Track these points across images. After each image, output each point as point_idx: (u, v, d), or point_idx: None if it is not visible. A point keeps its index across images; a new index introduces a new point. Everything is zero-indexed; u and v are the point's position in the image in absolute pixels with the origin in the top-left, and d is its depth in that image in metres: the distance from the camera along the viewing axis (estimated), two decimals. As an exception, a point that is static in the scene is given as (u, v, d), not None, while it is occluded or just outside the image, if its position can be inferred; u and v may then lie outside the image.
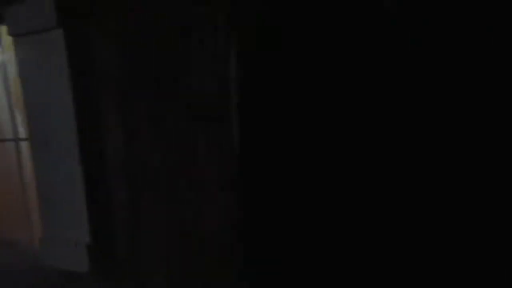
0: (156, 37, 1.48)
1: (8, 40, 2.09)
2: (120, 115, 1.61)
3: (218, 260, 1.44)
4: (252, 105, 1.27)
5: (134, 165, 1.63)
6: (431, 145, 1.05)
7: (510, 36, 0.94)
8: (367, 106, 1.10)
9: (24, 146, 2.21)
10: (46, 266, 1.91)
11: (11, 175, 2.32)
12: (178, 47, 1.42)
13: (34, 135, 1.85)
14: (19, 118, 2.18)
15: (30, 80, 1.80)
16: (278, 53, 1.21)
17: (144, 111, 1.57)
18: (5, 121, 2.24)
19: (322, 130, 1.16)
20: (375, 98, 1.09)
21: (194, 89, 1.39)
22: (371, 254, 1.10)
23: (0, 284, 2.01)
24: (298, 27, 1.15)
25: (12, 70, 2.13)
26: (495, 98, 0.98)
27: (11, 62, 2.13)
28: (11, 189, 2.28)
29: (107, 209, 1.75)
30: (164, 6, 1.45)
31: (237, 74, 1.27)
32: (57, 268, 1.88)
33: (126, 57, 1.56)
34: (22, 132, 2.21)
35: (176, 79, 1.45)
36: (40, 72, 1.75)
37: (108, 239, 1.76)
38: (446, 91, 1.02)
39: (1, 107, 2.24)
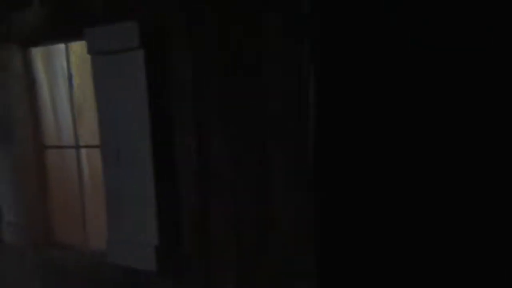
0: (234, 55, 1.66)
1: (75, 54, 2.28)
2: (194, 125, 1.79)
3: (292, 262, 1.60)
4: (328, 108, 1.44)
5: (205, 171, 1.80)
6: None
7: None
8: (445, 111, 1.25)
9: (84, 153, 2.37)
10: (112, 264, 2.05)
11: (69, 180, 2.46)
12: (256, 67, 1.61)
13: (106, 143, 2.02)
14: (80, 127, 2.34)
15: (105, 93, 1.96)
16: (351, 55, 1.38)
17: (217, 122, 1.74)
18: (67, 129, 2.40)
19: (397, 134, 1.34)
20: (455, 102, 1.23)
21: (271, 96, 1.57)
22: (442, 255, 1.28)
23: (74, 280, 2.15)
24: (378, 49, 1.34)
25: (76, 82, 2.30)
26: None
27: (76, 74, 2.31)
28: (69, 194, 2.42)
29: (176, 212, 1.90)
30: (239, 25, 1.64)
31: (315, 74, 1.44)
32: (124, 267, 2.03)
33: (202, 73, 1.74)
34: (82, 140, 2.37)
35: (251, 93, 1.63)
36: (116, 86, 1.92)
37: (176, 240, 1.92)
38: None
39: (64, 116, 2.39)
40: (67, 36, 2.18)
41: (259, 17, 1.58)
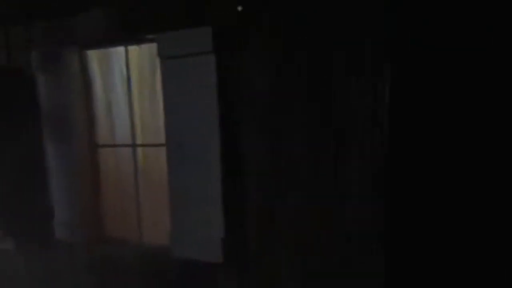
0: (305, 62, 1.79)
1: (133, 56, 2.38)
2: (265, 126, 1.91)
3: (359, 261, 1.72)
4: (403, 110, 1.58)
5: (273, 169, 1.92)
6: None
7: None
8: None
9: (140, 151, 2.46)
10: (174, 258, 2.15)
11: (122, 178, 2.54)
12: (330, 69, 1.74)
13: (172, 142, 2.11)
14: (138, 126, 2.43)
15: (174, 94, 2.07)
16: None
17: (288, 120, 1.86)
18: (121, 128, 2.48)
19: (470, 137, 1.48)
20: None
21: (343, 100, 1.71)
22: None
23: (131, 275, 2.23)
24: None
25: (133, 83, 2.39)
26: None
27: (133, 76, 2.40)
28: (121, 191, 2.50)
29: (242, 208, 2.02)
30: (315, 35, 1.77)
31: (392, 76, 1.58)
32: (188, 260, 2.13)
33: (275, 77, 1.86)
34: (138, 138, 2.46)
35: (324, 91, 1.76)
36: (186, 88, 2.03)
37: (241, 234, 2.03)
38: None
39: (120, 116, 2.47)
40: (127, 39, 2.28)
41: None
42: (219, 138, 1.98)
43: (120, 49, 2.38)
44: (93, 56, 2.46)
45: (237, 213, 2.03)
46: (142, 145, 2.44)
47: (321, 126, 1.78)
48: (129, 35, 2.16)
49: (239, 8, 1.89)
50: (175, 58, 2.01)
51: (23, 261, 2.82)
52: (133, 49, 2.34)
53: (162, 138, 2.24)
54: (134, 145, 2.45)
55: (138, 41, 2.23)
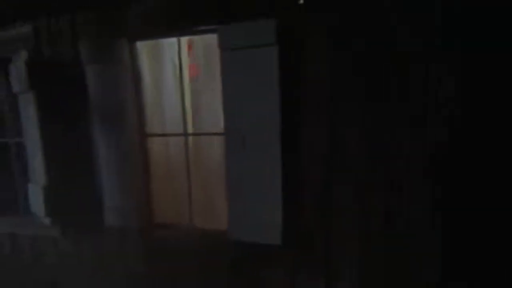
0: (370, 56, 1.88)
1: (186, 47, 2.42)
2: (326, 116, 2.00)
3: (415, 246, 1.86)
4: (466, 108, 1.69)
5: (332, 156, 2.03)
6: None
7: None
8: None
9: (191, 140, 2.53)
10: (231, 241, 2.26)
11: (171, 166, 2.62)
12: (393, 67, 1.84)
13: (232, 131, 2.19)
14: (189, 115, 2.49)
15: (233, 85, 2.14)
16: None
17: (349, 114, 1.96)
18: (174, 118, 2.54)
19: None
20: None
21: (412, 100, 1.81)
22: None
23: (186, 258, 2.34)
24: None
25: (185, 73, 2.45)
26: None
27: (184, 66, 2.45)
28: (170, 178, 2.58)
29: (300, 193, 2.13)
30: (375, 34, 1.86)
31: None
32: (245, 242, 2.24)
33: (336, 69, 1.95)
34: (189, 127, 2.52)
35: (391, 90, 1.86)
36: (246, 78, 2.10)
37: (299, 218, 2.14)
38: None
39: (170, 106, 2.53)
40: (181, 30, 2.32)
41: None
42: (279, 127, 2.08)
43: (172, 40, 2.43)
44: (144, 47, 2.50)
45: (295, 196, 2.14)
46: (195, 134, 2.52)
47: (376, 116, 1.89)
48: (187, 26, 2.21)
49: (301, 1, 1.96)
50: (236, 49, 2.08)
51: (71, 248, 2.91)
52: (185, 39, 2.39)
53: (212, 128, 2.32)
54: (186, 134, 2.52)
55: (195, 32, 2.28)
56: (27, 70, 2.59)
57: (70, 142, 2.69)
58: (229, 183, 2.26)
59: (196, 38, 2.42)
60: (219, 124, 2.50)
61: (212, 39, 2.36)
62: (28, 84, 2.60)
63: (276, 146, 2.11)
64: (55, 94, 2.65)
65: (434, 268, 1.90)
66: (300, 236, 2.16)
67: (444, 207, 1.81)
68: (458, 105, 1.73)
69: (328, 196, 2.09)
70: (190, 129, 2.57)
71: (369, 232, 2.02)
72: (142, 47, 2.52)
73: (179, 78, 2.47)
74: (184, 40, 2.43)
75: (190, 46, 2.44)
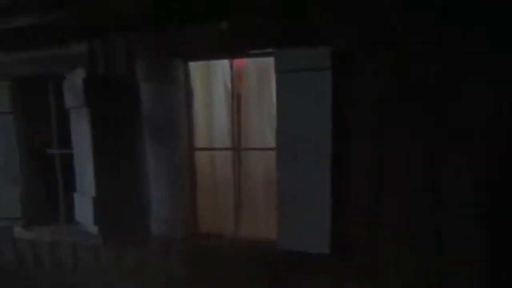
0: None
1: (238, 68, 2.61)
2: (371, 133, 2.19)
3: (458, 258, 2.02)
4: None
5: (378, 171, 2.20)
6: None
7: None
8: None
9: (236, 154, 2.69)
10: (283, 249, 2.40)
11: (217, 179, 2.77)
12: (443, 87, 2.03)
13: (284, 147, 2.36)
14: (238, 131, 2.66)
15: (287, 104, 2.32)
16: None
17: (391, 128, 2.15)
18: (220, 133, 2.71)
19: None
20: None
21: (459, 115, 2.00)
22: None
23: (233, 267, 2.46)
24: None
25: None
26: None
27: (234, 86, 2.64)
28: (222, 191, 2.73)
29: (348, 204, 2.29)
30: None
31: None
32: (294, 252, 2.38)
33: (383, 92, 2.15)
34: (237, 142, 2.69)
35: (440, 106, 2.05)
36: (299, 99, 2.28)
37: (346, 228, 2.29)
38: None
39: (219, 122, 2.70)
40: (235, 53, 2.52)
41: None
42: (330, 143, 2.26)
43: (225, 62, 2.62)
44: (197, 66, 2.69)
45: (343, 209, 2.30)
46: (245, 149, 2.68)
47: (421, 134, 2.09)
48: (242, 49, 2.41)
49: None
50: (292, 72, 2.27)
51: (115, 256, 3.01)
52: (237, 61, 2.59)
53: (257, 144, 2.50)
54: (234, 149, 2.69)
55: (248, 55, 2.48)
56: (83, 87, 2.76)
57: (120, 155, 2.84)
58: (279, 195, 2.42)
59: (247, 60, 2.61)
60: (265, 140, 2.68)
61: (262, 62, 2.57)
62: (84, 100, 2.77)
63: (326, 161, 2.28)
64: (109, 110, 2.81)
65: (477, 282, 2.06)
66: (347, 245, 2.31)
67: (490, 223, 1.98)
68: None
69: (375, 208, 2.25)
70: (236, 144, 2.74)
71: (414, 243, 2.18)
72: (195, 67, 2.71)
73: (229, 96, 2.65)
74: (236, 61, 2.62)
75: (240, 68, 2.62)
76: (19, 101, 3.25)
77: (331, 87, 2.21)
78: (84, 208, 2.96)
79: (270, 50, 2.31)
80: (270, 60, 2.40)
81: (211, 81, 2.70)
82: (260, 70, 2.60)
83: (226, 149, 2.70)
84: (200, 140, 2.79)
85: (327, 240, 2.31)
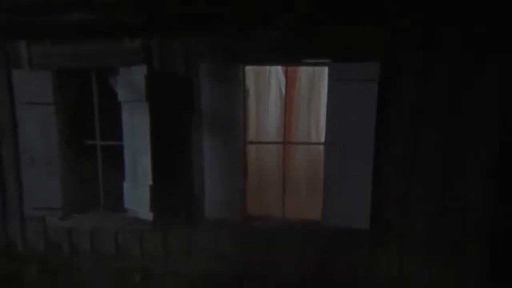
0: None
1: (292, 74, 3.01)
2: (409, 132, 2.75)
3: (469, 236, 2.69)
4: None
5: (411, 163, 2.78)
6: None
7: None
8: None
9: (281, 148, 3.10)
10: (325, 228, 2.89)
11: (266, 168, 3.15)
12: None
13: (331, 142, 2.83)
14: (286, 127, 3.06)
15: (336, 107, 2.79)
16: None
17: (427, 122, 2.73)
18: (271, 129, 3.08)
19: None
20: None
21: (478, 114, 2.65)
22: None
23: (285, 244, 2.91)
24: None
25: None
26: None
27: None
28: (272, 180, 3.11)
29: (385, 190, 2.84)
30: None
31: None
32: (338, 228, 2.88)
33: (424, 88, 2.72)
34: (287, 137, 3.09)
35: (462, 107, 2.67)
36: (348, 104, 2.76)
37: (383, 210, 2.85)
38: None
39: (270, 118, 3.07)
40: (291, 61, 2.93)
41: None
42: (373, 141, 2.79)
43: (278, 67, 3.00)
44: (253, 70, 3.02)
45: (381, 194, 2.86)
46: (293, 143, 3.09)
47: (448, 135, 2.71)
48: (299, 58, 2.82)
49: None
50: (344, 80, 2.75)
51: (161, 240, 3.25)
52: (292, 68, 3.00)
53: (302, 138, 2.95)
54: (285, 143, 3.09)
55: (303, 63, 2.89)
56: (146, 82, 2.95)
57: (176, 146, 3.09)
58: (326, 181, 2.91)
59: (300, 67, 3.03)
60: (309, 136, 3.14)
61: (312, 69, 3.01)
62: (145, 95, 2.96)
63: (369, 154, 2.81)
64: (168, 105, 3.04)
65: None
66: (383, 222, 2.88)
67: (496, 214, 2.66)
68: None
69: (406, 193, 2.85)
70: (282, 138, 3.16)
71: (434, 221, 2.82)
72: (251, 69, 3.05)
73: (279, 97, 3.05)
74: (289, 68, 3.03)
75: (293, 74, 3.03)
76: (61, 93, 3.31)
77: (377, 94, 2.73)
78: (137, 196, 3.15)
79: (324, 61, 2.78)
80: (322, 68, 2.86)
81: (265, 83, 3.08)
82: (311, 75, 3.04)
83: (276, 142, 3.10)
84: (252, 134, 3.16)
85: (367, 218, 2.86)
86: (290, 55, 2.85)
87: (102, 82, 3.32)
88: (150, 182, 3.09)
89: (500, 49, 2.59)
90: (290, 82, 3.04)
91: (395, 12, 2.63)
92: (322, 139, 2.98)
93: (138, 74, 3.01)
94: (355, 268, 2.97)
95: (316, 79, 3.07)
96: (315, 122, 3.13)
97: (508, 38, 2.57)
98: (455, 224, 2.82)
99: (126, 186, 3.23)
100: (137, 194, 3.17)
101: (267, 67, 3.07)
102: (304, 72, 3.08)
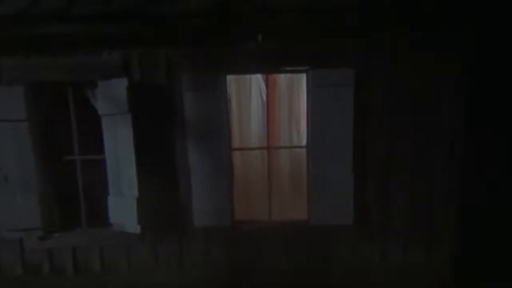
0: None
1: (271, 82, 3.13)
2: (383, 131, 2.96)
3: (439, 226, 2.97)
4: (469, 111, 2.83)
5: (388, 161, 2.99)
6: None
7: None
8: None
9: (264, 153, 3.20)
10: (312, 227, 3.03)
11: (250, 174, 3.22)
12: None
13: (314, 145, 2.98)
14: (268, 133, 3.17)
15: (317, 112, 2.94)
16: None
17: (401, 133, 2.97)
18: (254, 135, 3.16)
19: None
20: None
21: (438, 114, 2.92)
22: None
23: (275, 246, 3.01)
24: None
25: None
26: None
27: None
28: (258, 184, 3.19)
29: (365, 187, 3.03)
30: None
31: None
32: (324, 226, 3.03)
33: (394, 93, 2.95)
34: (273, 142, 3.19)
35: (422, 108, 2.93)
36: (327, 108, 2.93)
37: (364, 205, 3.04)
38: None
39: (252, 125, 3.15)
40: (271, 70, 3.05)
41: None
42: (352, 142, 2.97)
43: (259, 76, 3.11)
44: (234, 79, 3.10)
45: (361, 191, 3.05)
46: (277, 147, 3.20)
47: (417, 133, 2.96)
48: (279, 67, 2.94)
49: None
50: (322, 87, 2.91)
51: (150, 252, 3.21)
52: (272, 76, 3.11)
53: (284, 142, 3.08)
54: (268, 148, 3.19)
55: (282, 71, 3.02)
56: (128, 94, 2.92)
57: (161, 157, 3.09)
58: (310, 182, 3.05)
59: (279, 75, 3.16)
60: (291, 139, 3.27)
61: (291, 76, 3.15)
62: (128, 107, 2.93)
63: (348, 155, 3.00)
64: (151, 116, 3.03)
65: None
66: (365, 217, 3.09)
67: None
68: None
69: (383, 190, 3.07)
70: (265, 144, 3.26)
71: (409, 212, 3.06)
72: (232, 78, 3.13)
73: (261, 104, 3.16)
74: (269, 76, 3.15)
75: (273, 81, 3.15)
76: (35, 108, 3.18)
77: (353, 99, 2.92)
78: (123, 209, 3.10)
79: (302, 68, 2.93)
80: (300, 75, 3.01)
81: (246, 90, 3.17)
82: (290, 82, 3.18)
83: (259, 148, 3.20)
84: (236, 141, 3.24)
85: (351, 214, 3.04)
86: (270, 64, 2.99)
87: (79, 95, 3.24)
88: (136, 194, 3.08)
89: (461, 52, 2.91)
90: (270, 88, 3.17)
91: (369, 25, 2.84)
92: (304, 143, 3.13)
93: (118, 87, 2.98)
94: (342, 260, 3.17)
95: (295, 85, 3.22)
96: (296, 126, 3.27)
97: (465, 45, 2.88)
98: (427, 214, 3.09)
99: (110, 199, 3.17)
100: (123, 207, 3.12)
101: (248, 76, 3.17)
102: (283, 79, 3.22)
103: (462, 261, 3.11)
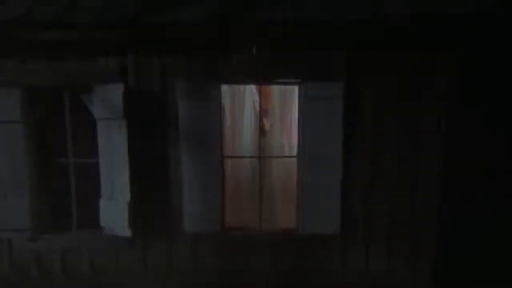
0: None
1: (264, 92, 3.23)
2: (370, 139, 3.07)
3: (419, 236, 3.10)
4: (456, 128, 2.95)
5: (372, 169, 3.09)
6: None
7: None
8: None
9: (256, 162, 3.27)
10: (300, 235, 3.10)
11: (242, 182, 3.28)
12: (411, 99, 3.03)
13: (304, 153, 3.06)
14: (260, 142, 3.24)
15: (308, 121, 3.04)
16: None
17: (385, 134, 3.07)
18: (246, 144, 3.23)
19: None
20: None
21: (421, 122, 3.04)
22: None
23: (263, 253, 3.05)
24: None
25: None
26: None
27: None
28: (248, 192, 3.25)
29: (352, 197, 3.12)
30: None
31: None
32: (311, 234, 3.09)
33: (378, 99, 3.06)
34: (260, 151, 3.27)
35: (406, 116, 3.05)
36: (317, 117, 3.02)
37: (351, 212, 3.12)
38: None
39: (245, 133, 3.22)
40: (262, 81, 3.15)
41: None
42: (341, 153, 3.06)
43: (252, 86, 3.19)
44: (228, 88, 3.18)
45: (348, 200, 3.14)
46: (271, 157, 3.28)
47: (402, 147, 3.08)
48: (272, 78, 3.04)
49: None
50: (313, 98, 3.00)
51: (140, 257, 3.23)
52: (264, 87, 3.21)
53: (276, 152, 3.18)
54: (259, 157, 3.26)
55: (274, 82, 3.13)
56: (123, 100, 2.98)
57: (154, 162, 3.14)
58: (300, 192, 3.13)
59: (272, 86, 3.26)
60: (283, 149, 3.35)
61: (284, 87, 3.24)
62: (123, 112, 2.99)
63: (337, 165, 3.08)
64: (145, 122, 3.09)
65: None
66: (351, 225, 3.18)
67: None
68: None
69: (370, 199, 3.16)
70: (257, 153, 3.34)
71: (392, 220, 3.16)
72: (226, 87, 3.21)
73: (253, 113, 3.24)
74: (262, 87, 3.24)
75: (266, 92, 3.24)
76: (30, 110, 3.21)
77: (342, 110, 3.02)
78: (114, 213, 3.14)
79: (294, 80, 3.03)
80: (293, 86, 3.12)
81: (240, 100, 3.25)
82: (283, 93, 3.28)
83: (251, 157, 3.27)
84: (229, 149, 3.31)
85: (338, 223, 3.12)
86: (264, 75, 3.09)
87: (75, 99, 3.29)
88: (128, 198, 3.12)
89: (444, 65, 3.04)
90: (263, 99, 3.26)
91: (356, 41, 2.97)
92: (295, 152, 3.22)
93: (114, 92, 3.04)
94: (328, 267, 3.24)
95: (287, 97, 3.31)
96: (287, 136, 3.36)
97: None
98: (409, 222, 3.19)
99: (102, 203, 3.20)
100: (114, 211, 3.16)
101: (247, 87, 3.27)
102: (276, 90, 3.32)
103: (442, 268, 3.24)
